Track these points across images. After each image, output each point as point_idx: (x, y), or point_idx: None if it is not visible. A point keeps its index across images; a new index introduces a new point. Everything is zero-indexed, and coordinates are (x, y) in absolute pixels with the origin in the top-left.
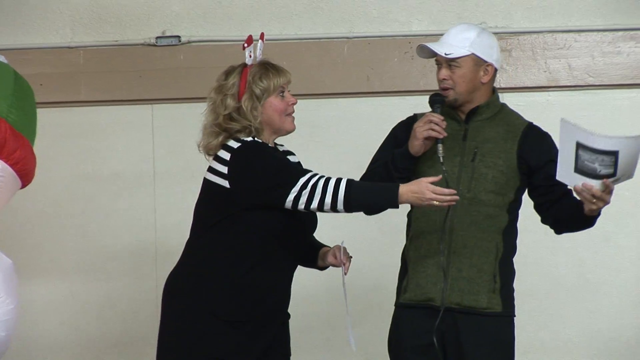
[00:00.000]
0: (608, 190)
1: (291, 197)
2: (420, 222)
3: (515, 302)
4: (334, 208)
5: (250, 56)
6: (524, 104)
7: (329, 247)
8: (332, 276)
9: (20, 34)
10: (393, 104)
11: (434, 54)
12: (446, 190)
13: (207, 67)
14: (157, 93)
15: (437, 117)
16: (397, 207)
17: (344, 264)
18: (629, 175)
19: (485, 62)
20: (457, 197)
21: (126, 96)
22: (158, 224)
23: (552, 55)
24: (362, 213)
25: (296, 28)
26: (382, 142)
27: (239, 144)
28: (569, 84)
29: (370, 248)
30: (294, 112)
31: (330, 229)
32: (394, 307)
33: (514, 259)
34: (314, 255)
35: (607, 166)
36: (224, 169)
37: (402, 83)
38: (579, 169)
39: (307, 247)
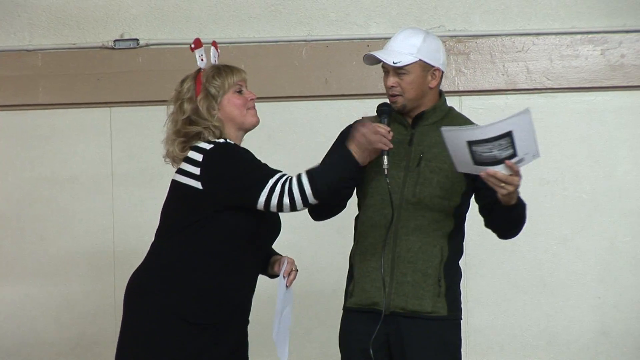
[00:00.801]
0: (515, 173)
1: (262, 198)
2: (365, 226)
3: (474, 306)
4: (305, 203)
5: (203, 59)
6: (483, 107)
7: (280, 256)
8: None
9: None
10: (351, 107)
11: (380, 61)
12: (380, 129)
13: (166, 70)
14: (115, 96)
15: (384, 129)
16: (358, 164)
17: (285, 277)
18: (533, 153)
19: (433, 66)
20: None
21: (84, 99)
22: (116, 227)
23: (511, 58)
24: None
25: (254, 31)
26: (330, 147)
27: (212, 145)
28: (527, 87)
29: (328, 250)
30: (254, 107)
31: (289, 231)
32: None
33: (468, 261)
34: (266, 262)
35: (505, 148)
36: (195, 170)
37: (361, 86)
38: (479, 163)
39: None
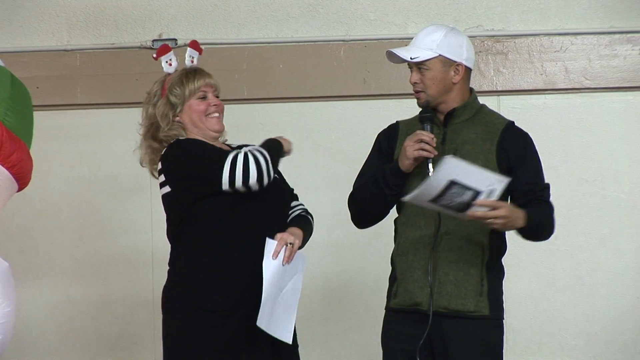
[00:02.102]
0: (492, 207)
1: (225, 176)
2: (405, 227)
3: (512, 305)
4: (268, 173)
5: (170, 64)
6: (521, 107)
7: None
8: (329, 278)
9: (17, 37)
10: (389, 106)
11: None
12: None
13: (204, 69)
14: None
15: (428, 136)
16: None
17: (274, 257)
18: (497, 180)
19: (455, 62)
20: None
21: (122, 99)
22: (154, 226)
23: (549, 58)
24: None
25: (293, 31)
26: (368, 153)
27: (165, 148)
28: (565, 87)
29: (367, 250)
30: (217, 112)
31: (328, 231)
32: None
33: (507, 261)
34: None
35: (463, 193)
36: (162, 178)
37: (399, 86)
38: (460, 210)
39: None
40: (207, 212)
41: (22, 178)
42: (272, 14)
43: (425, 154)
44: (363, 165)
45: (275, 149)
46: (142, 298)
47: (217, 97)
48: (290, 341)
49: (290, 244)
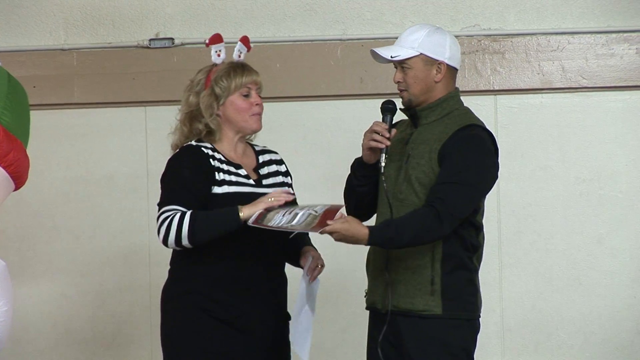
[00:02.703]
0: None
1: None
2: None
3: (509, 305)
4: (178, 243)
5: (219, 55)
6: (518, 106)
7: (312, 247)
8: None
9: (13, 36)
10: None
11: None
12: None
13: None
14: (150, 95)
15: (381, 126)
16: (240, 224)
17: (308, 274)
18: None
19: (437, 60)
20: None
21: (119, 98)
22: (151, 226)
23: (546, 57)
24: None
25: (290, 30)
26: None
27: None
28: (562, 86)
29: (364, 249)
30: (259, 112)
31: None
32: None
33: (504, 260)
34: (295, 253)
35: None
36: None
37: (396, 85)
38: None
39: (290, 245)
40: None
41: (18, 177)
42: (269, 13)
43: (374, 144)
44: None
45: (219, 223)
46: (139, 297)
47: (260, 95)
48: (307, 358)
49: (322, 266)
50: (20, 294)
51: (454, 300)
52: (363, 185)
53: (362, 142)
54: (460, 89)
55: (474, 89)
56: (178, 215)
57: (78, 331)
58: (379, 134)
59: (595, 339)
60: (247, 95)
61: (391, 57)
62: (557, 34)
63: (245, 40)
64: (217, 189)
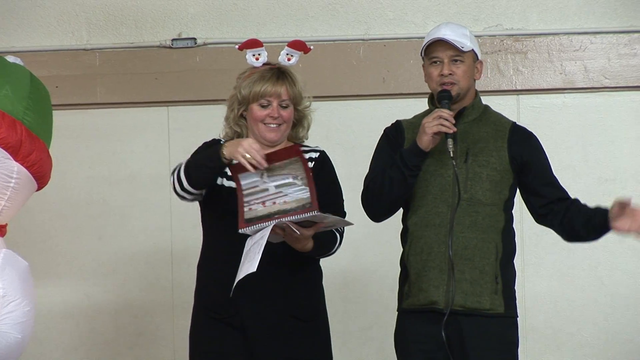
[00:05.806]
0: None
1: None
2: (418, 226)
3: (531, 304)
4: (183, 188)
5: (258, 59)
6: (540, 106)
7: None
8: (348, 277)
9: (36, 36)
10: (409, 105)
11: (443, 51)
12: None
13: (223, 69)
14: (173, 95)
15: (447, 113)
16: (220, 159)
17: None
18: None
19: (478, 58)
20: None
21: (142, 98)
22: (174, 226)
23: (568, 57)
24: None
25: (312, 30)
26: (374, 152)
27: None
28: (584, 86)
29: (386, 249)
30: (276, 124)
31: (347, 230)
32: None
33: (527, 260)
34: None
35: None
36: None
37: (418, 85)
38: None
39: None
40: (212, 216)
41: (41, 177)
42: (291, 13)
43: (444, 129)
44: (372, 162)
45: (203, 156)
46: (162, 297)
47: (287, 106)
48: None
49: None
50: (43, 294)
51: (510, 299)
52: (414, 176)
53: (423, 128)
54: (483, 89)
55: (496, 88)
56: (178, 166)
57: (101, 331)
58: (446, 119)
59: (617, 339)
60: (266, 106)
61: (462, 47)
62: (579, 33)
63: (297, 45)
64: (225, 182)
